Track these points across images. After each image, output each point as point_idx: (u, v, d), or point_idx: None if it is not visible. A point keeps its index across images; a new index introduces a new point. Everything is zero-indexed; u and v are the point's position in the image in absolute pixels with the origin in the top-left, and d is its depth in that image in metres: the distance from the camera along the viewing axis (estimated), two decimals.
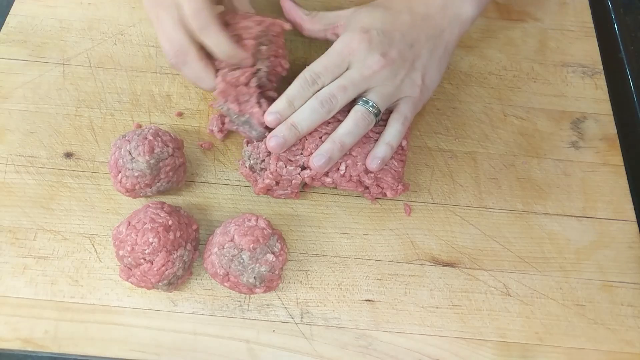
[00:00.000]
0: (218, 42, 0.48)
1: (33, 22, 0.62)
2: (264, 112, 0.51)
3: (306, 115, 0.48)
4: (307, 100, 0.49)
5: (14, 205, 0.51)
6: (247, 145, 0.52)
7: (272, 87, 0.55)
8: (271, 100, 0.51)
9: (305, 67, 0.50)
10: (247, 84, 0.52)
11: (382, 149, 0.50)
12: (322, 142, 0.51)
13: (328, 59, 0.50)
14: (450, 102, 0.60)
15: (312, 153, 0.50)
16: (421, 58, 0.52)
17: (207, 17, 0.47)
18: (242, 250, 0.45)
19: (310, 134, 0.51)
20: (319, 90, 0.49)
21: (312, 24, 0.55)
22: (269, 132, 0.50)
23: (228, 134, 0.56)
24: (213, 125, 0.55)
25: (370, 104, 0.49)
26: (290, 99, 0.49)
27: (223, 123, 0.55)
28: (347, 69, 0.50)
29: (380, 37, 0.50)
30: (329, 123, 0.52)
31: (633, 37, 0.66)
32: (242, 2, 0.54)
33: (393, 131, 0.51)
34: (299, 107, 0.49)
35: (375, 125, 0.51)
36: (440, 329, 0.48)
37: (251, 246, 0.45)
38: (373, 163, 0.50)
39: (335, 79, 0.49)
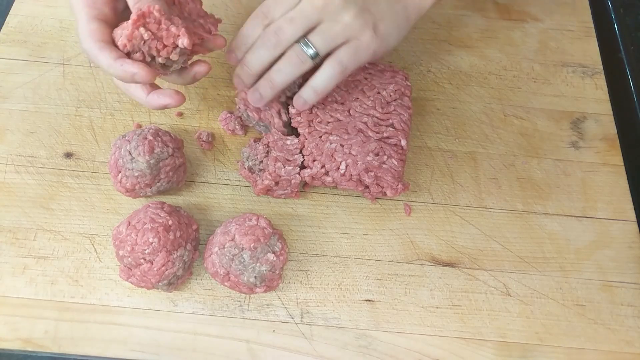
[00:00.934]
0: (107, 68, 0.42)
1: (33, 22, 0.62)
2: (284, 122, 0.52)
3: (255, 53, 0.47)
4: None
5: (14, 205, 0.51)
6: (246, 146, 0.53)
7: None
8: (291, 104, 0.52)
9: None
10: None
11: (306, 91, 0.49)
12: (322, 141, 0.51)
13: None
14: (450, 102, 0.60)
15: (311, 153, 0.51)
16: (378, 3, 0.49)
17: (88, 42, 0.43)
18: (242, 250, 0.45)
19: (310, 133, 0.51)
20: (267, 24, 0.47)
21: None
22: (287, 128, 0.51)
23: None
24: (233, 125, 0.55)
25: (309, 44, 0.47)
26: (243, 36, 0.48)
27: (242, 119, 0.56)
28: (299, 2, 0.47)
29: None
30: (328, 122, 0.52)
31: (633, 37, 0.66)
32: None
33: (322, 76, 0.48)
34: (251, 43, 0.48)
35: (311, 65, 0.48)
36: (440, 329, 0.48)
37: (252, 245, 0.45)
38: (296, 102, 0.50)
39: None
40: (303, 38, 0.47)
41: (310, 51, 0.47)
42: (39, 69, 0.59)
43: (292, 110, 0.52)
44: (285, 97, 0.53)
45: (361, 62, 0.49)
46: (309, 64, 0.47)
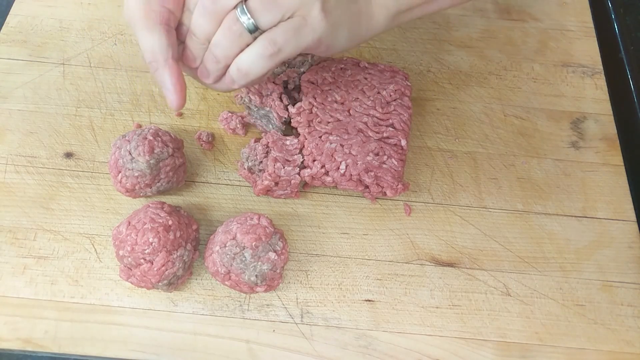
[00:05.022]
0: (143, 45, 0.41)
1: (33, 22, 0.62)
2: (285, 106, 0.52)
3: (196, 20, 0.41)
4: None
5: (14, 205, 0.51)
6: (245, 147, 0.53)
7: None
8: (293, 99, 0.53)
9: None
10: (273, 80, 0.53)
11: (231, 68, 0.42)
12: (322, 141, 0.51)
13: None
14: (450, 102, 0.60)
15: (311, 152, 0.50)
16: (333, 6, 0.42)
17: (138, 15, 0.40)
18: (244, 249, 0.45)
19: (310, 133, 0.51)
20: None
21: None
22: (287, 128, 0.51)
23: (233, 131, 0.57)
24: (234, 124, 0.56)
25: (245, 11, 0.39)
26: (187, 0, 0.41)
27: (243, 117, 0.56)
28: None
29: None
30: (328, 122, 0.52)
31: (633, 37, 0.66)
32: None
33: (249, 53, 0.41)
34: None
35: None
36: (440, 329, 0.48)
37: (253, 244, 0.45)
38: (222, 80, 0.43)
39: None
40: (241, 3, 0.39)
41: (247, 21, 0.39)
42: (39, 69, 0.59)
43: (291, 110, 0.53)
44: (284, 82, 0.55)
45: (300, 48, 0.42)
46: (246, 38, 0.40)
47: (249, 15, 0.39)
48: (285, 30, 0.40)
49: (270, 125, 0.54)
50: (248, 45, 0.41)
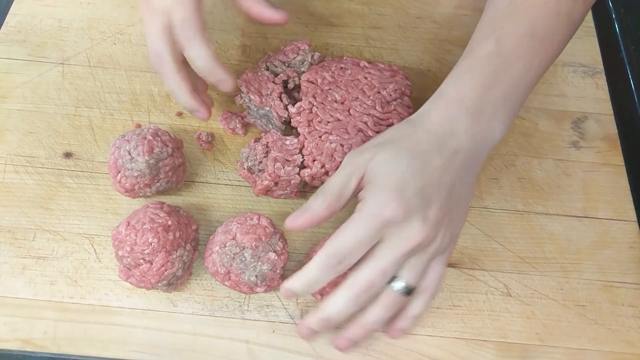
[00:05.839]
0: (200, 55, 0.46)
1: (32, 21, 0.62)
2: (285, 106, 0.52)
3: (340, 309, 0.41)
4: (327, 280, 0.41)
5: (13, 206, 0.51)
6: (245, 147, 0.53)
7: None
8: (293, 98, 0.53)
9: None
10: (273, 80, 0.54)
11: (405, 323, 0.44)
12: (322, 141, 0.51)
13: (357, 233, 0.40)
14: None
15: (311, 152, 0.50)
16: (457, 206, 0.43)
17: (195, 28, 0.46)
18: (244, 249, 0.45)
19: (310, 132, 0.51)
20: (343, 269, 0.41)
21: (327, 210, 0.43)
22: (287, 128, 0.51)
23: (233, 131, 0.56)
24: (234, 124, 0.55)
25: (403, 285, 0.42)
26: (310, 282, 0.41)
27: (243, 117, 0.56)
28: (378, 242, 0.41)
29: (418, 198, 0.40)
30: (328, 122, 0.52)
31: (634, 36, 0.66)
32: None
33: (421, 306, 0.44)
34: (318, 288, 0.42)
35: None
36: (440, 330, 0.48)
37: (253, 244, 0.45)
38: (395, 335, 0.45)
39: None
40: (393, 279, 0.42)
41: (406, 290, 0.42)
42: (38, 68, 0.59)
43: (291, 110, 0.52)
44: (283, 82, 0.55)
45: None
46: (403, 300, 0.43)
47: (405, 285, 0.42)
48: (441, 268, 0.44)
49: (270, 125, 0.54)
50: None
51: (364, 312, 0.42)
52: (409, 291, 0.42)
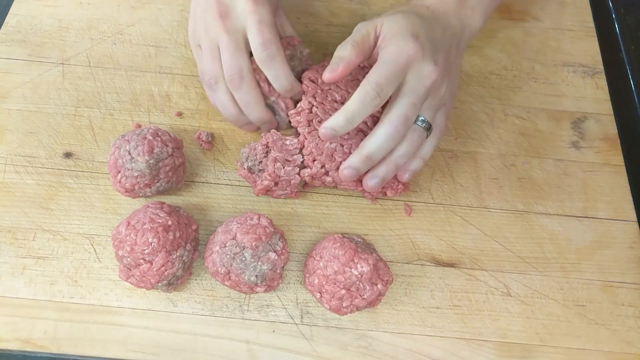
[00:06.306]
0: (280, 74, 0.49)
1: (32, 21, 0.62)
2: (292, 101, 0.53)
3: (381, 144, 0.46)
4: (365, 115, 0.45)
5: (13, 206, 0.51)
6: (245, 147, 0.53)
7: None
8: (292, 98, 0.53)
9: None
10: None
11: (416, 164, 0.50)
12: (322, 141, 0.51)
13: (387, 68, 0.45)
14: None
15: (311, 152, 0.50)
16: (452, 72, 0.51)
17: (275, 49, 0.48)
18: (244, 248, 0.45)
19: (310, 132, 0.51)
20: (379, 104, 0.45)
21: (357, 55, 0.47)
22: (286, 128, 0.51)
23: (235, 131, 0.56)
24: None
25: (425, 121, 0.48)
26: (349, 116, 0.45)
27: None
28: (404, 79, 0.47)
29: (429, 44, 0.47)
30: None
31: (634, 36, 0.66)
32: (286, 28, 0.56)
33: (430, 147, 0.50)
34: (357, 123, 0.46)
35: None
36: (440, 330, 0.48)
37: (253, 244, 0.45)
38: (405, 176, 0.50)
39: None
40: (417, 118, 0.48)
41: (427, 126, 0.48)
42: (38, 68, 0.59)
43: (291, 110, 0.52)
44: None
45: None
46: (423, 138, 0.49)
47: (427, 124, 0.48)
48: (443, 119, 0.51)
49: (277, 117, 0.54)
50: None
51: (392, 152, 0.48)
52: (429, 127, 0.48)
